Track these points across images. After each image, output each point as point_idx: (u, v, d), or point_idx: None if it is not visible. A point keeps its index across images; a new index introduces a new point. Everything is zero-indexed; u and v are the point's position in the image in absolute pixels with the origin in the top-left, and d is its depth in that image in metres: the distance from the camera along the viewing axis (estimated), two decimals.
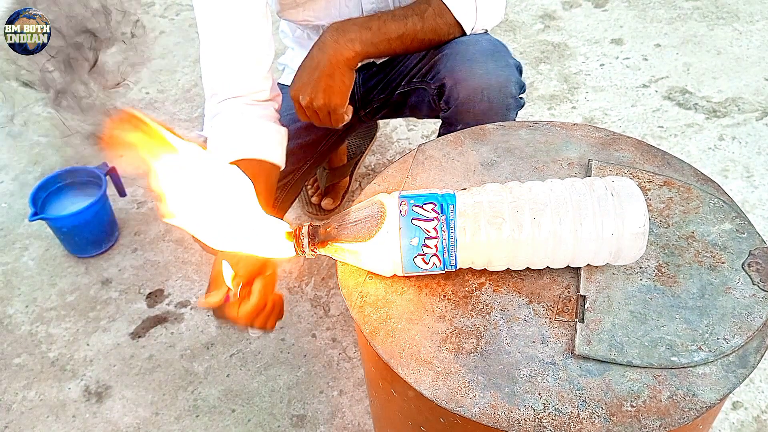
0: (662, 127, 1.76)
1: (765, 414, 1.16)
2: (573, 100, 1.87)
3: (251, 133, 0.98)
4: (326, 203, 1.61)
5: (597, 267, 0.65)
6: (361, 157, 1.71)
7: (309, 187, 1.64)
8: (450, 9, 1.03)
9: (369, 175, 1.72)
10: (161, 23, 2.36)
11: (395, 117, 1.34)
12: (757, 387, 1.20)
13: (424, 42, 1.05)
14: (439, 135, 1.12)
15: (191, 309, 1.45)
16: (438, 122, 1.14)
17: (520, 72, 1.08)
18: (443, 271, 0.65)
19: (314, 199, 1.62)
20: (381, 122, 1.79)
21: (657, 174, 0.75)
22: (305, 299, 1.44)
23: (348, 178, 1.67)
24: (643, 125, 1.77)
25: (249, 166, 0.81)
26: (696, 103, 1.82)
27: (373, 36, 1.00)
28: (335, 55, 0.99)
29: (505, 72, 1.02)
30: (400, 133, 1.83)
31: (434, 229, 0.62)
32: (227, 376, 1.32)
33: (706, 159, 1.66)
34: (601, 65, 1.98)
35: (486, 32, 1.11)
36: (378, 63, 1.25)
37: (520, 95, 1.06)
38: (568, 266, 0.65)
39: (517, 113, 1.07)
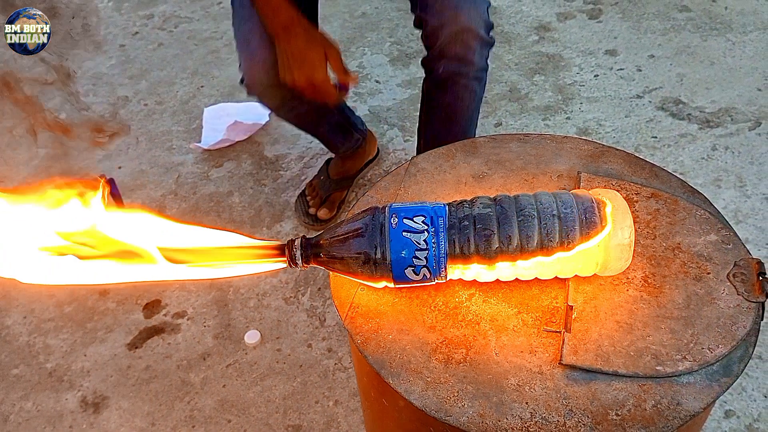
0: (656, 137, 1.78)
1: (757, 423, 1.17)
2: (567, 111, 1.89)
3: None
4: (322, 213, 1.62)
5: (584, 278, 0.67)
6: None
7: (308, 197, 1.66)
8: None
9: (365, 185, 1.73)
10: (160, 35, 2.38)
11: None
12: (750, 395, 1.21)
13: None
14: (423, 83, 1.34)
15: (188, 320, 1.46)
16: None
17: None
18: (433, 283, 0.66)
19: (311, 210, 1.63)
20: (377, 133, 1.81)
21: (644, 186, 0.77)
22: (301, 309, 1.45)
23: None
24: (637, 135, 1.79)
25: None
26: (689, 114, 1.84)
27: None
28: None
29: (484, 17, 1.22)
30: (396, 143, 1.84)
31: (424, 241, 0.63)
32: (223, 386, 1.32)
33: (699, 169, 1.67)
34: (595, 76, 2.00)
35: None
36: None
37: (490, 33, 1.26)
38: (556, 277, 0.66)
39: (489, 51, 1.28)
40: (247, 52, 1.25)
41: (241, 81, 1.30)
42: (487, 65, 1.30)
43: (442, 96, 1.35)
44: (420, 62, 1.33)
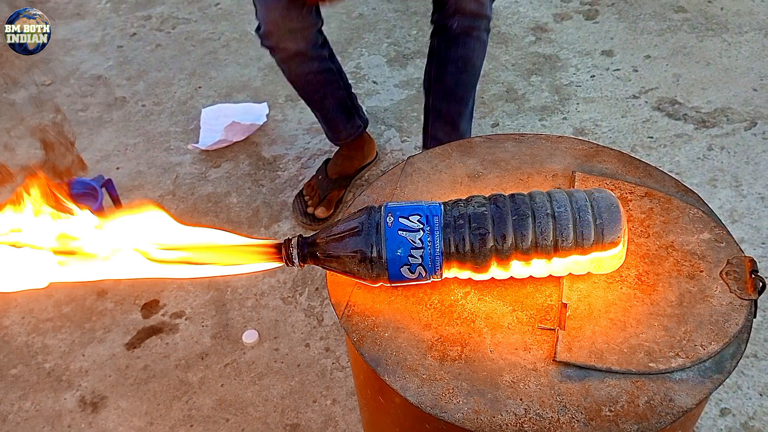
0: (652, 137, 1.79)
1: (752, 420, 1.18)
2: (564, 111, 1.90)
3: None
4: (320, 212, 1.63)
5: (578, 276, 0.67)
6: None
7: (306, 197, 1.67)
8: None
9: (362, 186, 1.74)
10: (158, 36, 2.39)
11: None
12: (745, 394, 1.21)
13: None
14: (432, 41, 1.43)
15: (186, 320, 1.46)
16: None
17: None
18: (429, 281, 0.67)
19: (309, 209, 1.64)
20: (375, 135, 1.82)
21: (638, 185, 0.77)
22: (299, 309, 1.45)
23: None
24: (633, 136, 1.80)
25: None
26: (685, 114, 1.84)
27: None
28: None
29: None
30: (393, 144, 1.85)
31: (420, 239, 0.63)
32: (221, 386, 1.33)
33: (695, 169, 1.68)
34: (591, 77, 2.01)
35: None
36: None
37: None
38: (550, 275, 0.67)
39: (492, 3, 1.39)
40: (264, 1, 1.33)
41: (257, 29, 1.37)
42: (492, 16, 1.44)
43: (455, 50, 1.43)
44: (430, 21, 1.42)
